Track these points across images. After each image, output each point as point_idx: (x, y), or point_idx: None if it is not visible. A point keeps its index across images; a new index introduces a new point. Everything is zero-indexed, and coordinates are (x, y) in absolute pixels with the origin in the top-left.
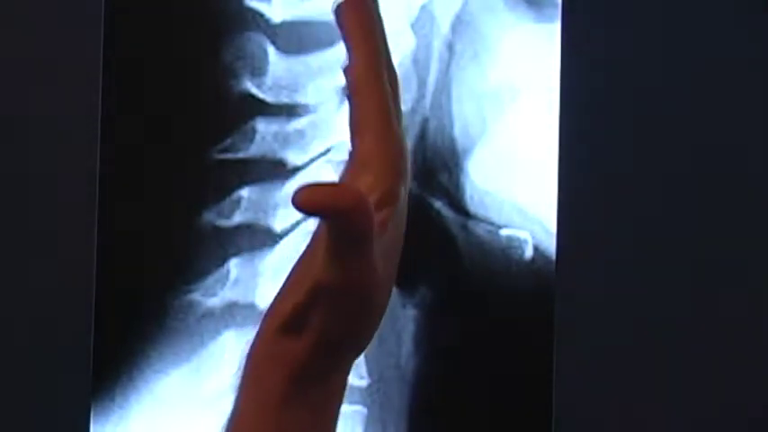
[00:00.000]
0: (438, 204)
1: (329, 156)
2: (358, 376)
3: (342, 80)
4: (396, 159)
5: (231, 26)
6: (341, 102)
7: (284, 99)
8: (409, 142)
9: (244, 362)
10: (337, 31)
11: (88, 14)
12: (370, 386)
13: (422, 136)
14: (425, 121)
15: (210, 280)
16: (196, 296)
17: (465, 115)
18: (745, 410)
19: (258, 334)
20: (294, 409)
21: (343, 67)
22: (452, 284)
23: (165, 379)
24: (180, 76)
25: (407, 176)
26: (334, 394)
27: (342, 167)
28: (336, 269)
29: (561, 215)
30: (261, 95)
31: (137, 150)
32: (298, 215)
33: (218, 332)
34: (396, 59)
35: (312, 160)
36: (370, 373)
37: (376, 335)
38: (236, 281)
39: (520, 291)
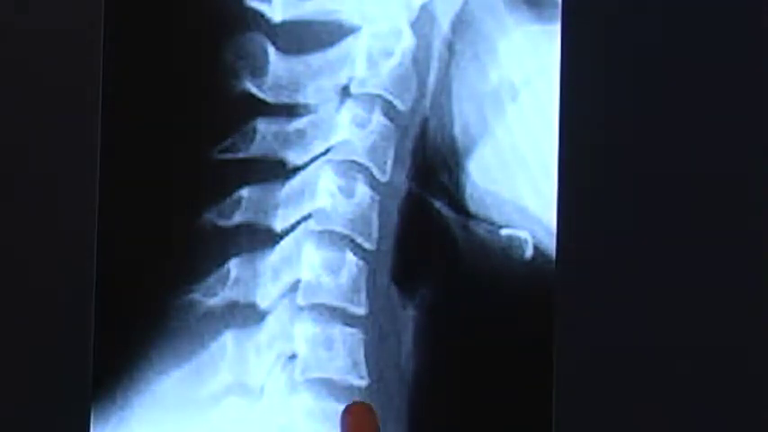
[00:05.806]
0: (438, 204)
1: (329, 156)
2: (358, 376)
3: (342, 80)
4: None
5: (231, 26)
6: (341, 102)
7: (284, 99)
8: (409, 142)
9: None
10: (337, 31)
11: (88, 14)
12: (369, 386)
13: (422, 136)
14: (425, 120)
15: (210, 280)
16: (196, 296)
17: (465, 115)
18: (745, 411)
19: None
20: None
21: None
22: (452, 284)
23: (166, 379)
24: (180, 76)
25: None
26: None
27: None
28: None
29: (561, 215)
30: (261, 95)
31: (137, 150)
32: (298, 215)
33: (218, 332)
34: (396, 59)
35: (312, 160)
36: (370, 373)
37: (376, 334)
38: (236, 281)
39: (520, 291)
